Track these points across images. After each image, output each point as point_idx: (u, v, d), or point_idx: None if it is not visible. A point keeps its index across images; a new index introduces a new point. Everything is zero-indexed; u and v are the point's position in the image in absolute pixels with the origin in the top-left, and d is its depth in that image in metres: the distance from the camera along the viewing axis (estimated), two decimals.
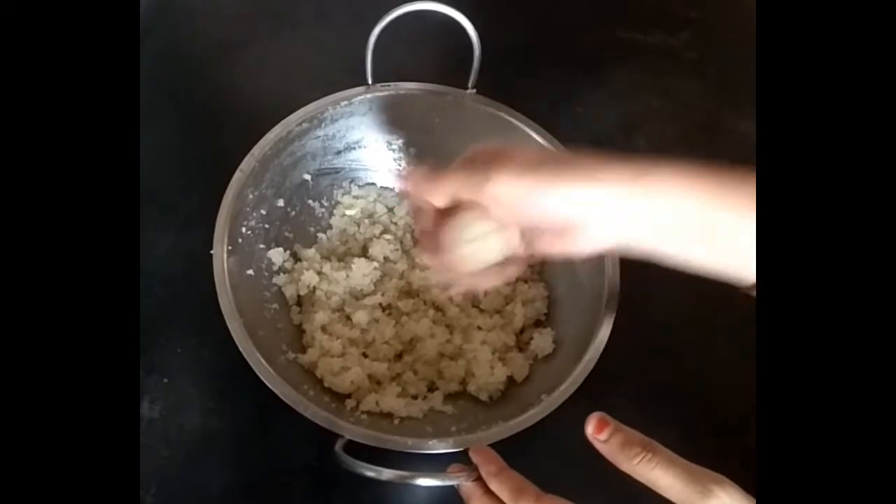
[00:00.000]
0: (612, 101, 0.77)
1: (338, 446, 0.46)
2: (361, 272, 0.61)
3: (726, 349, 0.61)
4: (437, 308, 0.61)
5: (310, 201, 0.64)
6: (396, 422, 0.54)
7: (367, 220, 0.65)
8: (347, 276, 0.60)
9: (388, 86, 0.61)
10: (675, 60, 0.81)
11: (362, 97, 0.61)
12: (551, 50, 0.81)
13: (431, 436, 0.50)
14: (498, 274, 0.48)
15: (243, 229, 0.57)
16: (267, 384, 0.48)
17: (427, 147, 0.65)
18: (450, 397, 0.57)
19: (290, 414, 0.47)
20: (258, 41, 0.78)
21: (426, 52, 0.74)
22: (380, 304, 0.60)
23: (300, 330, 0.59)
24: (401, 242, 0.64)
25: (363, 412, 0.54)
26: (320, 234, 0.65)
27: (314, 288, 0.60)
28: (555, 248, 0.44)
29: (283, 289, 0.60)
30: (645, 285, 0.54)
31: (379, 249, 0.63)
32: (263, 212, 0.59)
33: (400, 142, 0.65)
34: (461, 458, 0.45)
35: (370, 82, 0.60)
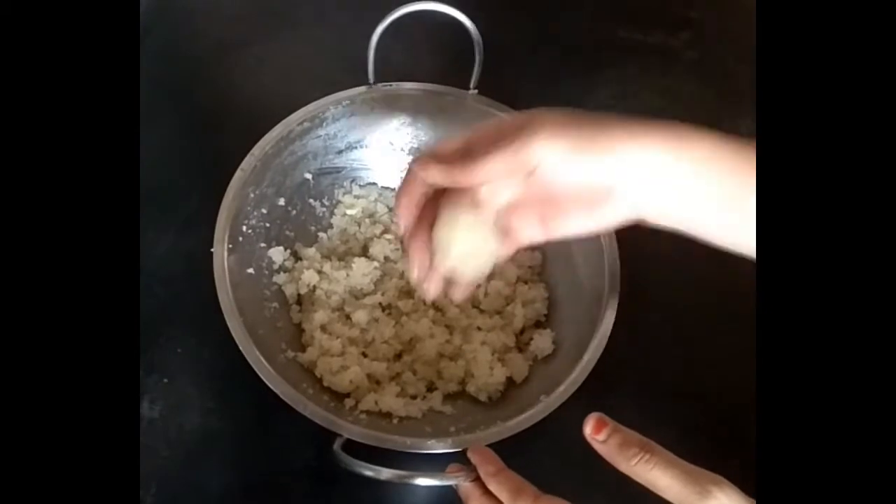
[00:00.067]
0: (612, 101, 0.77)
1: (336, 445, 0.46)
2: (362, 272, 0.61)
3: (726, 350, 0.61)
4: (437, 308, 0.61)
5: (311, 200, 0.64)
6: (395, 421, 0.54)
7: (367, 220, 0.65)
8: (348, 275, 0.61)
9: (390, 85, 0.61)
10: (675, 60, 0.81)
11: (364, 97, 0.61)
12: (552, 50, 0.81)
13: (430, 436, 0.50)
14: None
15: (244, 228, 0.57)
16: (266, 383, 0.48)
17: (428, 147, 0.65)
18: (449, 397, 0.57)
19: (290, 413, 0.47)
20: (258, 41, 0.78)
21: (427, 52, 0.74)
22: (380, 303, 0.60)
23: (300, 329, 0.59)
24: (401, 242, 0.64)
25: (362, 412, 0.54)
26: (321, 234, 0.65)
27: (314, 287, 0.60)
28: (577, 221, 0.42)
29: (283, 288, 0.60)
30: (645, 286, 0.54)
31: (379, 249, 0.63)
32: (264, 210, 0.59)
33: (401, 142, 0.65)
34: (460, 459, 0.45)
35: (372, 82, 0.60)
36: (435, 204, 0.45)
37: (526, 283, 0.62)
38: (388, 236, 0.64)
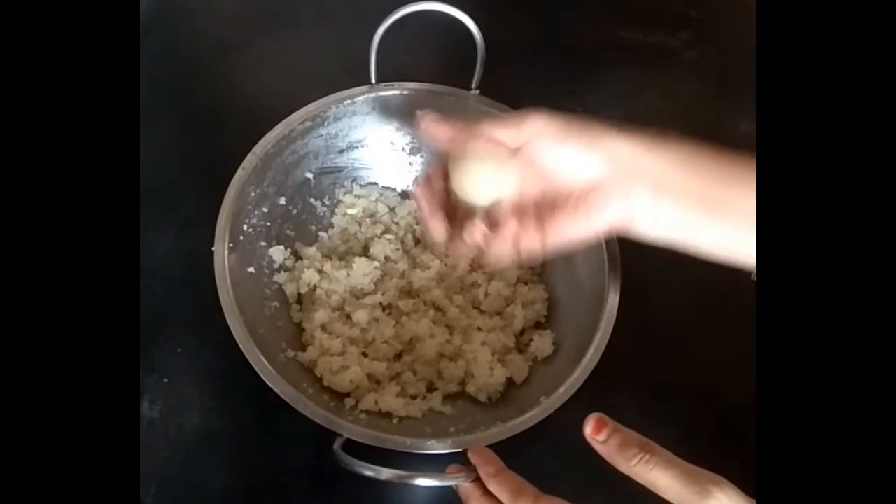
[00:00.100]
0: (612, 101, 0.77)
1: (336, 445, 0.46)
2: (362, 271, 0.61)
3: (726, 350, 0.61)
4: (438, 308, 0.61)
5: (311, 200, 0.64)
6: (395, 421, 0.54)
7: (368, 220, 0.65)
8: (348, 275, 0.61)
9: (392, 85, 0.61)
10: (675, 60, 0.81)
11: (365, 96, 0.61)
12: (552, 50, 0.81)
13: (430, 436, 0.50)
14: (506, 244, 0.46)
15: (245, 227, 0.57)
16: (267, 382, 0.48)
17: (429, 147, 0.65)
18: (449, 398, 0.57)
19: (290, 413, 0.47)
20: (258, 41, 0.78)
21: (429, 52, 0.74)
22: (380, 303, 0.60)
23: (300, 328, 0.59)
24: (402, 242, 0.64)
25: (362, 411, 0.54)
26: (321, 233, 0.65)
27: (315, 286, 0.60)
28: (573, 224, 0.44)
29: (283, 287, 0.60)
30: (645, 287, 0.54)
31: (380, 249, 0.63)
32: (265, 210, 0.59)
33: (402, 142, 0.65)
34: (460, 459, 0.45)
35: (373, 81, 0.60)
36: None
37: (526, 284, 0.62)
38: (388, 236, 0.64)
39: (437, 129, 0.46)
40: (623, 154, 0.43)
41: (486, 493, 0.42)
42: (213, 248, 0.53)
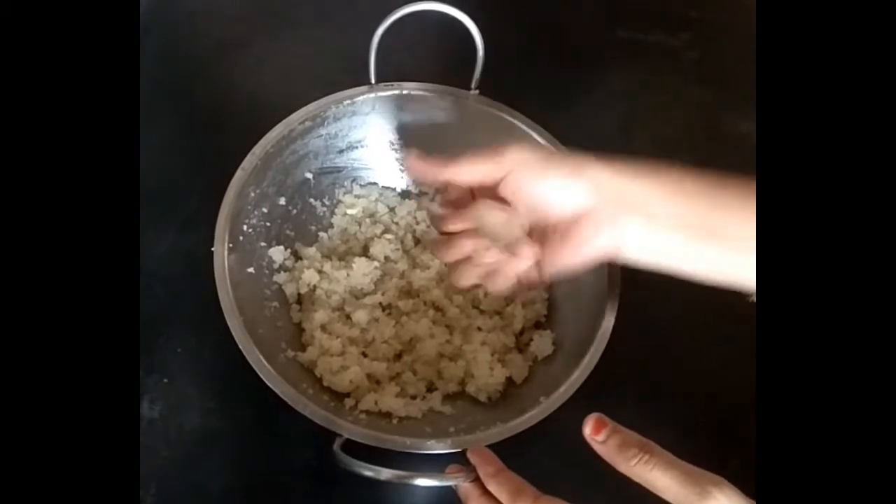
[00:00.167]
0: (612, 100, 0.77)
1: (336, 445, 0.46)
2: (362, 271, 0.61)
3: (726, 350, 0.61)
4: (437, 308, 0.61)
5: (311, 200, 0.64)
6: (395, 421, 0.54)
7: (368, 220, 0.65)
8: (348, 275, 0.61)
9: (391, 85, 0.61)
10: (675, 60, 0.81)
11: (365, 97, 0.61)
12: (552, 50, 0.81)
13: (430, 436, 0.50)
14: (512, 266, 0.48)
15: (244, 227, 0.57)
16: (266, 382, 0.48)
17: (429, 147, 0.65)
18: (449, 398, 0.57)
19: (290, 413, 0.47)
20: (258, 41, 0.78)
21: (428, 52, 0.74)
22: (380, 303, 0.60)
23: (300, 328, 0.59)
24: (402, 242, 0.64)
25: (362, 411, 0.54)
26: (321, 233, 0.65)
27: (314, 286, 0.60)
28: (565, 256, 0.45)
29: (283, 287, 0.60)
30: (645, 287, 0.54)
31: (380, 249, 0.63)
32: (265, 210, 0.59)
33: (402, 142, 0.65)
34: (459, 459, 0.45)
35: (373, 82, 0.60)
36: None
37: None
38: (388, 236, 0.64)
39: (420, 167, 0.48)
40: (607, 184, 0.43)
41: (486, 493, 0.42)
42: (212, 249, 0.53)
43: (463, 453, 0.45)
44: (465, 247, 0.48)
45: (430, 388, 0.58)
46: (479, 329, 0.60)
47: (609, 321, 0.52)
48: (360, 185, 0.67)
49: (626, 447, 0.37)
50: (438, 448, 0.48)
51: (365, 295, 0.61)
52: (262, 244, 0.59)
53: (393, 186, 0.67)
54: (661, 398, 0.58)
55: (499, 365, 0.57)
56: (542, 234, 0.46)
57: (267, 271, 0.60)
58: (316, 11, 0.81)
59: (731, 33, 0.83)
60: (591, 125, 0.75)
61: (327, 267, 0.61)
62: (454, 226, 0.49)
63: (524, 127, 0.60)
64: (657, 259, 0.43)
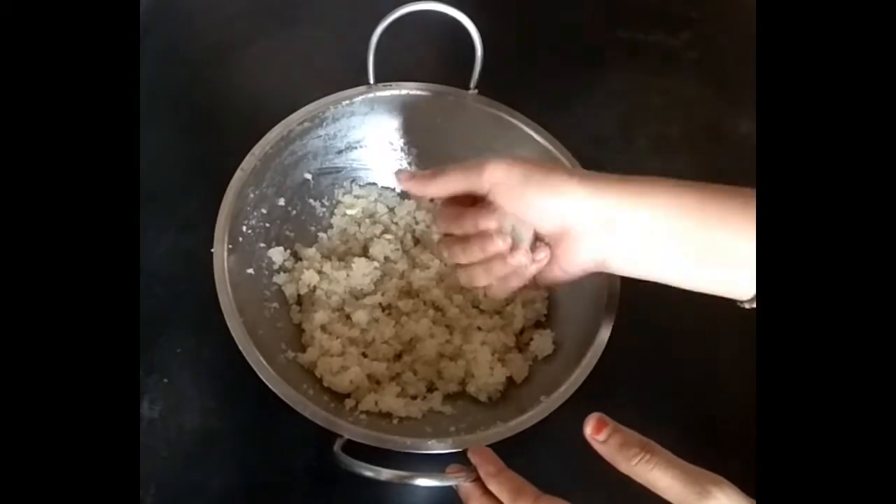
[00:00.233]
0: (612, 100, 0.77)
1: (337, 446, 0.46)
2: (362, 272, 0.61)
3: (726, 350, 0.61)
4: (437, 308, 0.61)
5: (311, 200, 0.64)
6: (395, 422, 0.54)
7: (367, 220, 0.65)
8: (348, 275, 0.61)
9: (390, 85, 0.61)
10: (675, 60, 0.81)
11: (364, 97, 0.61)
12: (552, 50, 0.81)
13: (430, 436, 0.50)
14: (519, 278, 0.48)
15: (244, 228, 0.57)
16: (267, 384, 0.48)
17: (428, 147, 0.65)
18: (449, 398, 0.57)
19: (290, 414, 0.47)
20: (258, 41, 0.78)
21: (427, 52, 0.74)
22: (380, 303, 0.60)
23: (300, 329, 0.59)
24: (401, 242, 0.64)
25: (362, 412, 0.54)
26: (321, 234, 0.65)
27: (314, 287, 0.60)
28: (552, 272, 0.46)
29: (283, 288, 0.60)
30: (645, 286, 0.54)
31: (379, 249, 0.63)
32: (264, 211, 0.59)
33: (401, 142, 0.65)
34: (460, 459, 0.45)
35: (372, 82, 0.60)
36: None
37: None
38: (388, 236, 0.64)
39: (409, 184, 0.48)
40: (586, 204, 0.42)
41: (487, 492, 0.42)
42: (212, 250, 0.53)
43: (463, 453, 0.45)
44: (475, 253, 0.48)
45: (431, 388, 0.58)
46: (479, 329, 0.60)
47: (609, 321, 0.52)
48: (360, 186, 0.67)
49: (627, 447, 0.37)
50: (439, 448, 0.48)
51: (365, 295, 0.61)
52: (262, 245, 0.59)
53: (392, 186, 0.67)
54: (661, 398, 0.58)
55: (499, 365, 0.57)
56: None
57: (266, 272, 0.60)
58: (315, 12, 0.81)
59: (731, 33, 0.83)
60: (591, 125, 0.75)
61: (327, 267, 0.61)
62: (463, 228, 0.48)
63: (524, 127, 0.60)
64: (643, 272, 0.44)
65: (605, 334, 0.51)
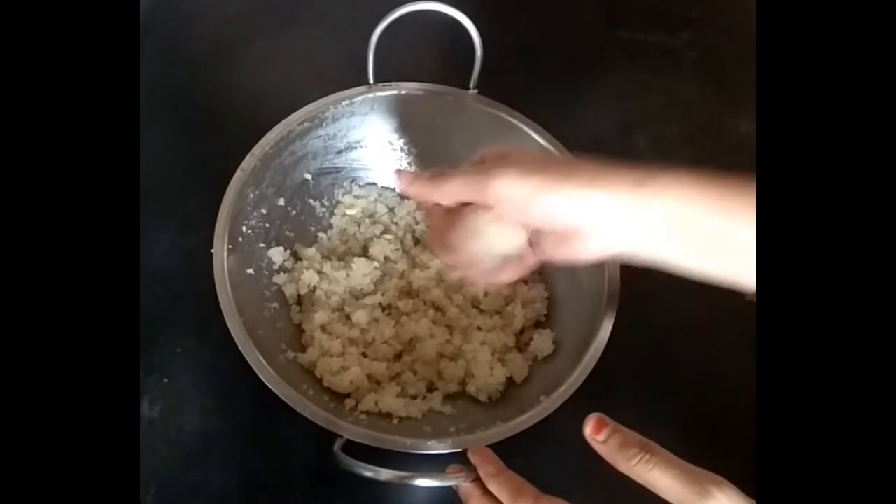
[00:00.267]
0: (612, 101, 0.77)
1: (336, 446, 0.46)
2: (361, 272, 0.61)
3: (726, 350, 0.61)
4: (437, 308, 0.61)
5: (310, 200, 0.64)
6: (395, 422, 0.54)
7: (367, 220, 0.65)
8: (347, 275, 0.61)
9: (390, 85, 0.61)
10: (675, 60, 0.81)
11: (363, 97, 0.61)
12: (552, 50, 0.81)
13: (430, 436, 0.50)
14: (515, 267, 0.47)
15: (244, 228, 0.57)
16: (267, 384, 0.48)
17: (428, 147, 0.65)
18: (449, 398, 0.57)
19: (290, 414, 0.47)
20: (258, 41, 0.78)
21: (427, 51, 0.74)
22: (380, 303, 0.60)
23: (300, 329, 0.59)
24: (401, 242, 0.64)
25: (362, 412, 0.54)
26: (321, 234, 0.65)
27: (314, 287, 0.60)
28: (558, 253, 0.44)
29: (283, 288, 0.60)
30: (645, 286, 0.54)
31: (379, 249, 0.63)
32: (264, 211, 0.59)
33: (401, 142, 0.65)
34: (460, 459, 0.45)
35: (371, 82, 0.60)
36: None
37: (526, 283, 0.62)
38: (387, 236, 0.64)
39: (410, 189, 0.46)
40: (599, 205, 0.41)
41: (486, 493, 0.42)
42: (212, 251, 0.53)
43: (463, 453, 0.45)
44: (464, 256, 0.47)
45: (431, 388, 0.58)
46: (479, 329, 0.60)
47: (609, 321, 0.52)
48: (360, 186, 0.67)
49: (627, 447, 0.37)
50: (439, 448, 0.48)
51: (365, 295, 0.61)
52: (262, 245, 0.59)
53: (392, 186, 0.67)
54: (661, 398, 0.58)
55: (499, 365, 0.57)
56: (536, 233, 0.45)
57: (266, 272, 0.60)
58: (315, 12, 0.81)
59: (731, 33, 0.83)
60: (591, 125, 0.75)
61: (327, 267, 0.61)
62: (448, 234, 0.47)
63: (523, 127, 0.60)
64: (654, 261, 0.43)
65: (605, 334, 0.51)
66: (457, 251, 0.47)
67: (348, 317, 0.59)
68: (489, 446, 0.45)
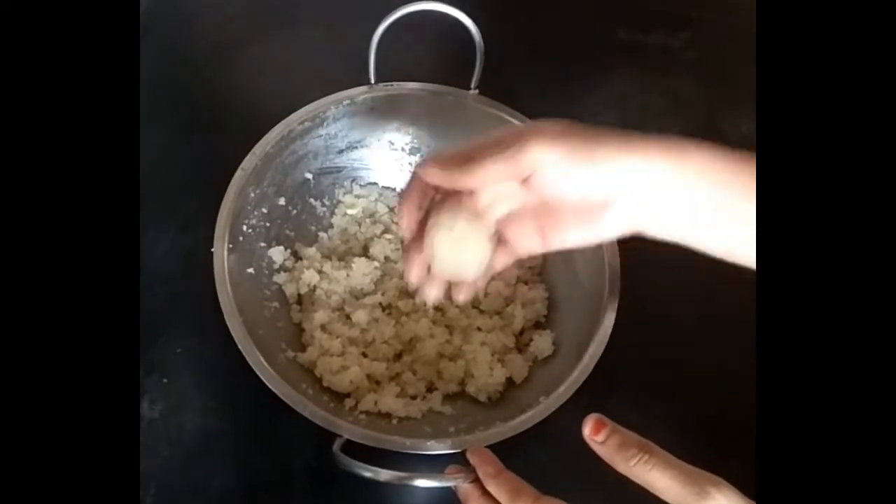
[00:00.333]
0: (612, 101, 0.77)
1: (336, 446, 0.46)
2: (362, 271, 0.61)
3: (726, 350, 0.61)
4: (437, 308, 0.61)
5: (311, 200, 0.64)
6: (395, 422, 0.54)
7: (368, 220, 0.65)
8: (348, 275, 0.61)
9: (391, 85, 0.61)
10: (675, 60, 0.81)
11: (364, 97, 0.61)
12: (552, 50, 0.81)
13: (430, 436, 0.50)
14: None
15: (244, 227, 0.57)
16: (266, 383, 0.48)
17: (429, 147, 0.65)
18: (448, 398, 0.57)
19: (290, 414, 0.47)
20: (258, 41, 0.78)
21: (428, 51, 0.74)
22: (380, 303, 0.60)
23: (300, 328, 0.59)
24: (402, 242, 0.64)
25: (362, 412, 0.54)
26: (321, 233, 0.65)
27: (314, 287, 0.60)
28: (576, 234, 0.42)
29: (283, 287, 0.60)
30: (645, 287, 0.54)
31: (379, 249, 0.63)
32: (265, 210, 0.59)
33: (401, 142, 0.65)
34: (459, 459, 0.45)
35: (373, 82, 0.60)
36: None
37: (526, 283, 0.62)
38: (388, 236, 0.64)
39: (434, 177, 0.43)
40: (633, 172, 0.40)
41: (486, 493, 0.42)
42: (212, 250, 0.53)
43: (462, 454, 0.45)
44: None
45: (430, 389, 0.58)
46: (479, 329, 0.60)
47: (609, 321, 0.52)
48: (360, 185, 0.67)
49: (626, 447, 0.37)
50: (438, 448, 0.48)
51: (365, 295, 0.61)
52: (262, 244, 0.59)
53: (393, 186, 0.67)
54: (661, 398, 0.58)
55: (499, 365, 0.57)
56: (551, 210, 0.43)
57: (267, 271, 0.60)
58: (316, 11, 0.81)
59: (731, 33, 0.83)
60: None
61: (327, 267, 0.61)
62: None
63: None
64: (674, 237, 0.41)
65: (604, 335, 0.51)
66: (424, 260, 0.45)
67: (348, 316, 0.59)
68: (488, 447, 0.45)
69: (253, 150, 0.57)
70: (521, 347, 0.60)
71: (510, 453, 0.44)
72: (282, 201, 0.61)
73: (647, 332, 0.59)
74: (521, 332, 0.60)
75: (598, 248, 0.55)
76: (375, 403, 0.54)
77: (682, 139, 0.40)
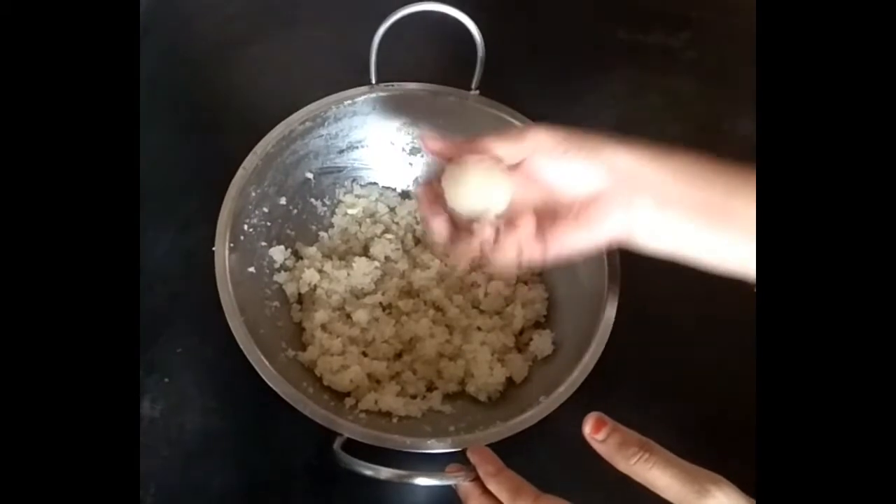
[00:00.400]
0: (612, 101, 0.77)
1: (336, 445, 0.46)
2: (362, 271, 0.61)
3: (726, 350, 0.61)
4: (437, 308, 0.61)
5: (312, 200, 0.65)
6: (395, 421, 0.54)
7: (368, 220, 0.65)
8: (348, 274, 0.61)
9: (392, 86, 0.61)
10: (675, 60, 0.81)
11: (365, 97, 0.61)
12: (552, 50, 0.81)
13: (430, 435, 0.50)
14: (512, 235, 0.45)
15: (245, 227, 0.57)
16: (267, 382, 0.48)
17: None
18: (449, 397, 0.57)
19: (291, 412, 0.47)
20: (258, 41, 0.78)
21: (429, 52, 0.74)
22: (380, 303, 0.60)
23: (300, 328, 0.59)
24: (402, 242, 0.64)
25: (362, 411, 0.54)
26: (322, 233, 0.65)
27: (315, 286, 0.60)
28: (575, 236, 0.44)
29: (283, 287, 0.60)
30: (645, 287, 0.54)
31: (380, 249, 0.63)
32: (265, 210, 0.59)
33: (402, 142, 0.65)
34: (459, 458, 0.45)
35: (373, 82, 0.60)
36: None
37: (526, 283, 0.62)
38: (388, 236, 0.64)
39: (437, 145, 0.46)
40: (624, 166, 0.43)
41: (486, 492, 0.42)
42: (213, 249, 0.53)
43: (463, 453, 0.45)
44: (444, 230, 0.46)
45: (430, 388, 0.58)
46: (479, 329, 0.60)
47: (609, 320, 0.52)
48: (361, 185, 0.67)
49: (626, 446, 0.37)
50: (438, 447, 0.48)
51: (365, 294, 0.61)
52: (263, 244, 0.59)
53: (393, 186, 0.67)
54: (661, 398, 0.58)
55: (498, 365, 0.57)
56: (552, 213, 0.44)
57: (267, 271, 0.60)
58: (316, 11, 0.81)
59: (731, 33, 0.83)
60: (590, 125, 0.74)
61: (328, 266, 0.61)
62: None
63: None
64: (668, 246, 0.43)
65: (604, 335, 0.51)
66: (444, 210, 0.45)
67: (349, 316, 0.59)
68: (489, 446, 0.45)
69: (254, 149, 0.57)
70: (520, 347, 0.60)
71: (510, 452, 0.44)
72: (283, 201, 0.61)
73: (647, 332, 0.59)
74: (521, 332, 0.60)
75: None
76: (376, 402, 0.54)
77: (660, 144, 0.44)
